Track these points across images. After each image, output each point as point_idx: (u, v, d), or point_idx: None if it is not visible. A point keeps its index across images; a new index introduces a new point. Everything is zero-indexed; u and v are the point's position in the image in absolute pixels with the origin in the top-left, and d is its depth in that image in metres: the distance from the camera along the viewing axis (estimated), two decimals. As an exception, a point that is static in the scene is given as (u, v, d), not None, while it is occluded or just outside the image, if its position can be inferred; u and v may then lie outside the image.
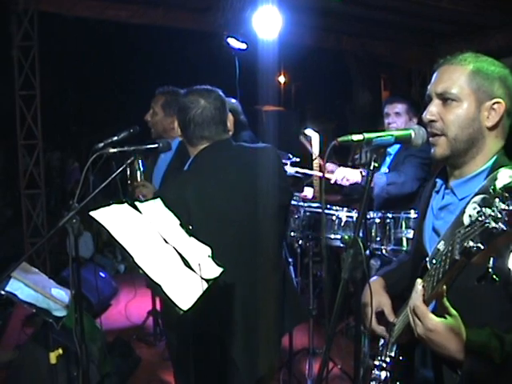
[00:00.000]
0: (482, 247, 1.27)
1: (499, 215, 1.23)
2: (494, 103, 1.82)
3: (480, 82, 1.82)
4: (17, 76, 7.31)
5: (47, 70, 8.16)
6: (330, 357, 4.32)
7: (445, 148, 1.87)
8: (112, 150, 3.11)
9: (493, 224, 1.24)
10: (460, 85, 1.83)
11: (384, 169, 4.61)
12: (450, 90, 1.84)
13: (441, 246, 1.47)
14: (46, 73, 7.81)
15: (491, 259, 1.30)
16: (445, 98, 1.86)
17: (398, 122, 4.48)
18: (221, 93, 2.83)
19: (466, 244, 1.31)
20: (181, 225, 2.37)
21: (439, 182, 2.01)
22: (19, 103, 7.38)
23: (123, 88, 15.82)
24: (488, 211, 1.25)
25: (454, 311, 1.57)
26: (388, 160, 4.62)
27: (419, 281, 1.61)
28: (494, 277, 1.30)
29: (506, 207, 1.23)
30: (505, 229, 1.23)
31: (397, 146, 4.49)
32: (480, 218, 1.27)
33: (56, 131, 13.00)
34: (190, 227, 2.40)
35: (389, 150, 4.58)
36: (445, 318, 1.57)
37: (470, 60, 1.86)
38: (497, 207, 1.24)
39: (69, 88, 15.83)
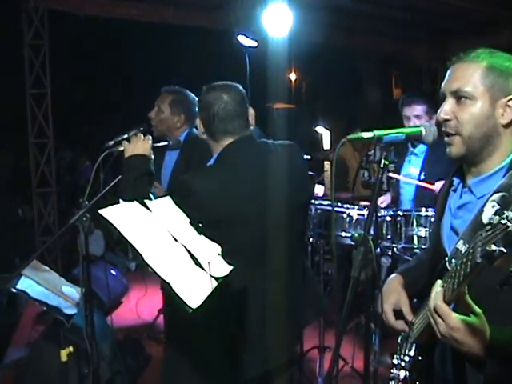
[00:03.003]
0: (505, 251, 1.25)
1: None
2: (509, 100, 1.79)
3: (494, 79, 1.79)
4: (27, 75, 7.34)
5: (58, 68, 8.18)
6: (341, 355, 4.31)
7: (460, 147, 1.85)
8: (121, 148, 3.13)
9: None
10: (474, 82, 1.80)
11: (414, 169, 4.53)
12: (464, 88, 1.81)
13: (460, 245, 1.46)
14: (56, 71, 7.83)
15: None
16: (459, 97, 1.83)
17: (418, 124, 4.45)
18: (241, 87, 2.83)
19: (488, 247, 1.28)
20: (190, 223, 2.37)
21: (456, 180, 1.99)
22: (30, 102, 7.40)
23: (134, 86, 15.84)
24: (511, 214, 1.23)
25: (477, 309, 1.54)
26: (415, 159, 4.53)
27: (439, 282, 1.59)
28: None
29: None
30: None
31: (423, 147, 4.41)
32: (503, 222, 1.25)
33: (67, 130, 13.04)
34: (200, 225, 2.40)
35: (414, 150, 4.51)
36: (468, 316, 1.55)
37: (484, 56, 1.83)
38: None
39: (79, 86, 15.88)
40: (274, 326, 2.71)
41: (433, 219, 3.88)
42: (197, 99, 3.24)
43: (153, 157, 3.13)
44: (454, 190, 2.00)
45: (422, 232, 3.97)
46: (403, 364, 2.01)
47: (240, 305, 2.63)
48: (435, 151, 4.32)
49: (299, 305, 2.88)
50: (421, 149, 4.46)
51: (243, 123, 2.77)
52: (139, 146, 3.07)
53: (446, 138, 1.89)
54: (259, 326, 2.69)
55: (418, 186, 4.41)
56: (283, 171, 2.73)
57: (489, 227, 1.30)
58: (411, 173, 4.55)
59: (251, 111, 2.88)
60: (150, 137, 3.15)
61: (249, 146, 2.76)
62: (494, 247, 1.27)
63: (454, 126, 1.85)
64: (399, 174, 4.61)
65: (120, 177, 3.00)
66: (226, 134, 2.74)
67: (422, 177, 4.41)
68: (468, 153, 1.85)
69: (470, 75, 1.82)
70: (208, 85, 2.83)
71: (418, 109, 4.39)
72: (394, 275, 2.29)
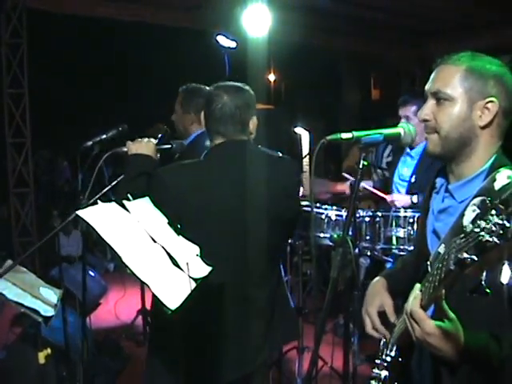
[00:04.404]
0: (476, 259, 1.26)
1: (493, 228, 1.22)
2: (487, 102, 1.81)
3: (473, 82, 1.82)
4: (5, 74, 7.27)
5: (36, 67, 8.10)
6: (320, 355, 4.33)
7: (436, 145, 1.89)
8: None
9: (486, 237, 1.23)
10: (453, 84, 1.83)
11: (407, 171, 4.52)
12: (443, 90, 1.85)
13: (441, 249, 1.47)
14: (34, 71, 7.76)
15: (484, 272, 1.30)
16: (438, 98, 1.87)
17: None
18: (251, 93, 2.78)
19: (459, 255, 1.30)
20: (169, 223, 2.36)
21: (439, 182, 2.01)
22: (7, 101, 7.34)
23: (112, 86, 15.75)
24: (483, 224, 1.24)
25: (452, 314, 1.55)
26: (410, 161, 4.52)
27: (418, 285, 1.60)
28: (487, 290, 1.30)
29: (500, 221, 1.22)
30: (498, 242, 1.22)
31: (420, 149, 4.37)
32: (475, 230, 1.26)
33: (45, 129, 12.93)
34: (179, 226, 2.39)
35: (410, 152, 4.49)
36: (443, 321, 1.56)
37: (465, 59, 1.86)
38: (491, 220, 1.23)
39: (58, 86, 15.74)
40: (250, 329, 2.70)
41: (411, 220, 3.90)
42: None
43: (158, 157, 3.12)
44: (437, 192, 2.02)
45: (401, 233, 3.98)
46: (385, 364, 2.02)
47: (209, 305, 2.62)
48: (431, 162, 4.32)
49: (264, 321, 2.84)
50: (417, 151, 4.42)
51: (239, 128, 2.71)
52: (143, 146, 3.06)
53: (425, 135, 1.93)
54: (235, 329, 2.68)
55: (408, 189, 4.44)
56: (267, 182, 2.67)
57: (462, 235, 1.31)
58: (404, 174, 4.54)
59: (254, 120, 2.83)
60: (153, 139, 3.15)
61: (237, 149, 2.71)
62: (465, 255, 1.28)
63: (432, 126, 1.88)
64: (393, 173, 4.61)
65: (121, 177, 3.01)
66: (217, 134, 2.70)
67: (413, 180, 4.42)
68: (444, 152, 1.88)
69: (449, 77, 1.85)
70: (219, 82, 2.80)
71: (408, 109, 4.41)
72: (377, 278, 2.30)
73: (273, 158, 2.87)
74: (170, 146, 3.21)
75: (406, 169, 4.54)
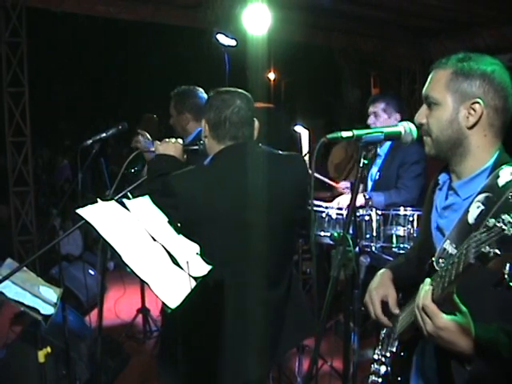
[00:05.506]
0: (499, 253, 1.27)
1: None
2: (472, 103, 1.83)
3: (459, 84, 1.85)
4: (5, 73, 7.26)
5: (36, 66, 8.10)
6: (320, 354, 4.32)
7: (430, 147, 1.96)
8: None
9: (511, 231, 1.24)
10: (440, 88, 1.88)
11: (375, 169, 4.61)
12: (431, 94, 1.91)
13: (447, 245, 1.47)
14: (34, 70, 7.75)
15: (507, 265, 1.30)
16: (428, 102, 1.93)
17: (377, 122, 4.50)
18: (250, 95, 2.81)
19: (482, 249, 1.31)
20: (169, 222, 2.36)
21: (442, 179, 2.04)
22: (7, 100, 7.33)
23: (112, 84, 15.77)
24: (507, 218, 1.26)
25: (463, 308, 1.57)
26: (379, 161, 4.61)
27: (428, 280, 1.61)
28: (511, 283, 1.30)
29: None
30: None
31: (386, 148, 4.50)
32: (498, 224, 1.27)
33: (45, 128, 12.93)
34: (179, 224, 2.38)
35: (378, 151, 4.59)
36: (454, 315, 1.57)
37: (452, 62, 1.89)
38: None
39: (58, 85, 15.75)
40: (254, 337, 2.69)
41: (411, 218, 3.91)
42: (204, 96, 3.25)
43: (185, 158, 3.15)
44: (440, 189, 2.04)
45: (401, 231, 3.99)
46: (384, 359, 2.03)
47: (216, 312, 2.61)
48: (391, 154, 4.42)
49: (282, 319, 2.83)
50: (383, 149, 4.56)
51: (251, 131, 2.76)
52: (170, 146, 3.09)
53: (423, 138, 1.99)
54: (238, 336, 2.67)
55: (373, 187, 4.53)
56: (275, 182, 2.67)
57: (484, 229, 1.32)
58: (373, 173, 4.64)
59: (256, 123, 2.84)
60: (181, 140, 3.18)
61: (246, 151, 2.71)
62: (488, 249, 1.29)
63: (425, 129, 1.95)
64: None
65: (144, 178, 3.06)
66: (232, 139, 2.69)
67: (377, 177, 4.52)
68: (437, 153, 1.94)
69: (437, 81, 1.91)
70: (217, 88, 2.80)
71: (377, 106, 4.50)
72: (383, 270, 2.32)
73: (281, 158, 2.87)
74: (197, 147, 3.20)
75: (375, 168, 4.63)
